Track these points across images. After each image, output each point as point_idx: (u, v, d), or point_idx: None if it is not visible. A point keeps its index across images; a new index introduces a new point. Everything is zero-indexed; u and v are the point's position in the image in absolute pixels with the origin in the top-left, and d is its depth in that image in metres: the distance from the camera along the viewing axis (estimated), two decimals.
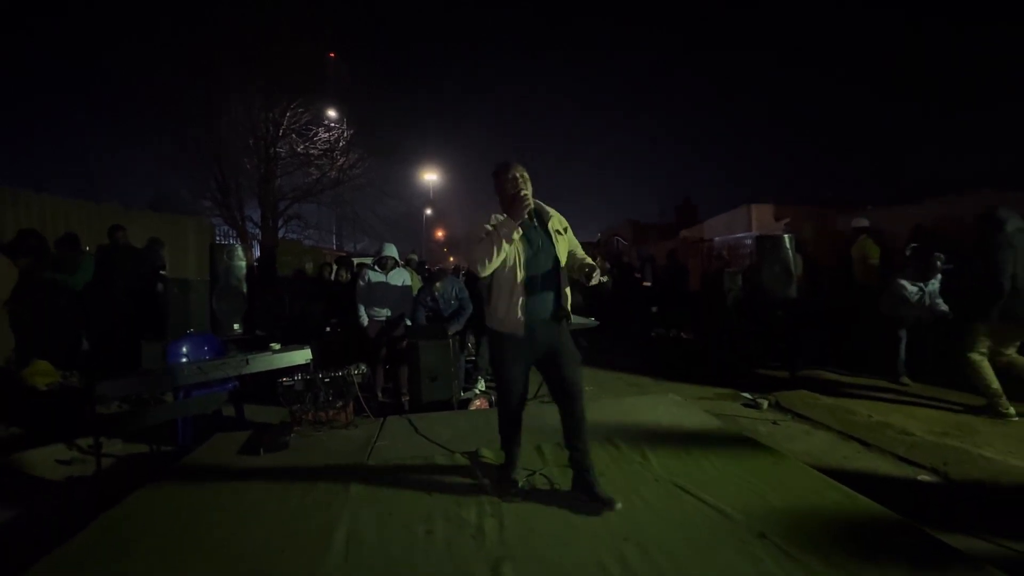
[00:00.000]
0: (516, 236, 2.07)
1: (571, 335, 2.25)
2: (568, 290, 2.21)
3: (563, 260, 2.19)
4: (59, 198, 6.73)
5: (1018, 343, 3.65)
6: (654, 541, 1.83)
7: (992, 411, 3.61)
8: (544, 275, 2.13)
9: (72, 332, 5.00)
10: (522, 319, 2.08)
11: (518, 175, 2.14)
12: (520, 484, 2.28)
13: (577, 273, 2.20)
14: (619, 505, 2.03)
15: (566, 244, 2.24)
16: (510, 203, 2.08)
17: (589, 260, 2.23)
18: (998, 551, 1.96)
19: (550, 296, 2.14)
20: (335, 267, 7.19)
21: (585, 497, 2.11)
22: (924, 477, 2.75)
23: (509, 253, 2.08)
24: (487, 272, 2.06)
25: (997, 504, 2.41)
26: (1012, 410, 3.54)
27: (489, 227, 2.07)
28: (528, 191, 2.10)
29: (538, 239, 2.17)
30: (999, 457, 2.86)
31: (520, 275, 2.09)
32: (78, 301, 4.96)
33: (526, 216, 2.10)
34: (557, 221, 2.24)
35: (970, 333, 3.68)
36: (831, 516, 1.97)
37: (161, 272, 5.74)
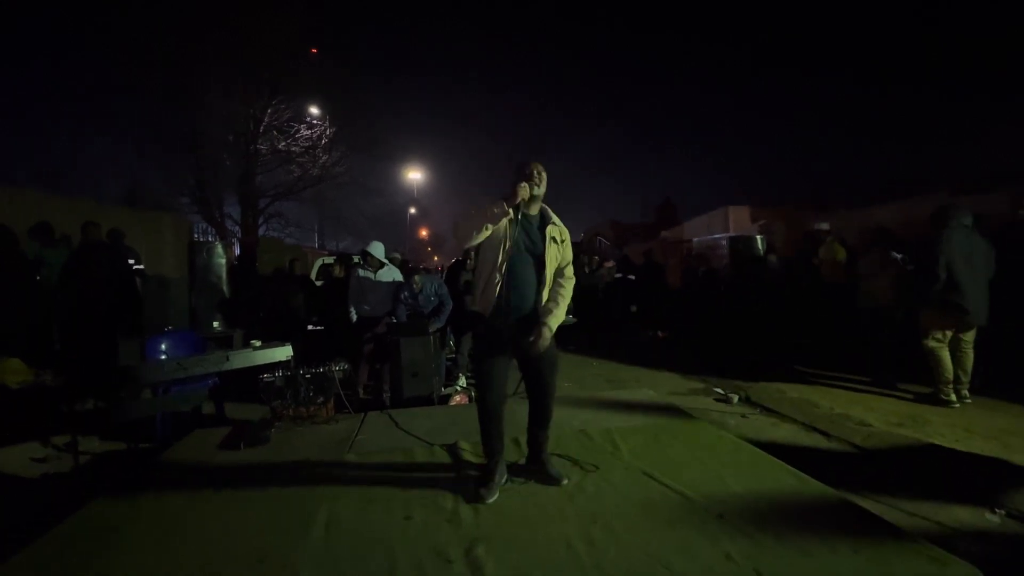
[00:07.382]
0: (505, 222, 2.12)
1: (555, 337, 2.24)
2: (550, 291, 2.24)
3: (549, 264, 2.22)
4: (31, 190, 6.58)
5: (970, 332, 3.87)
6: (620, 522, 1.94)
7: (934, 398, 3.88)
8: (527, 269, 2.18)
9: (43, 329, 4.91)
10: (496, 304, 2.14)
11: (532, 170, 2.18)
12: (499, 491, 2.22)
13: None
14: (566, 481, 2.28)
15: (557, 253, 2.26)
16: (511, 189, 2.13)
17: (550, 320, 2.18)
18: (933, 527, 2.15)
19: (531, 292, 2.19)
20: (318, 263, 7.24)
21: (538, 472, 2.36)
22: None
23: (497, 236, 2.14)
24: (469, 246, 2.17)
25: (936, 486, 2.60)
26: (954, 397, 3.83)
27: (482, 207, 2.11)
28: (531, 185, 2.15)
29: (531, 234, 2.21)
30: (947, 445, 3.06)
31: (501, 260, 2.14)
32: (49, 298, 4.88)
33: (516, 205, 2.14)
34: (558, 230, 2.27)
35: (919, 322, 3.98)
36: (784, 498, 2.11)
37: (138, 267, 5.65)
